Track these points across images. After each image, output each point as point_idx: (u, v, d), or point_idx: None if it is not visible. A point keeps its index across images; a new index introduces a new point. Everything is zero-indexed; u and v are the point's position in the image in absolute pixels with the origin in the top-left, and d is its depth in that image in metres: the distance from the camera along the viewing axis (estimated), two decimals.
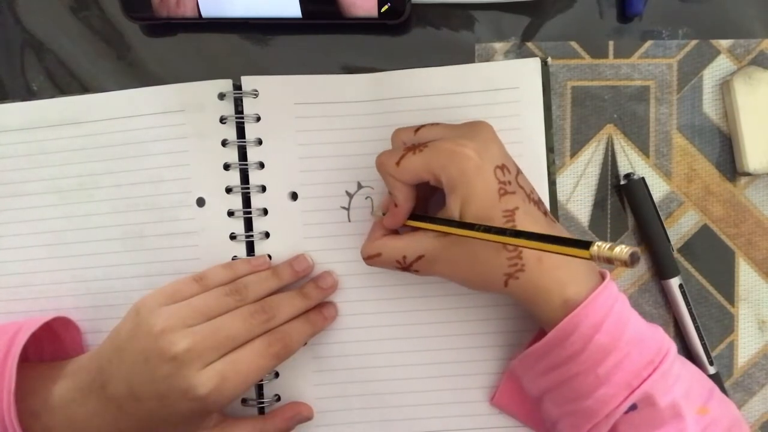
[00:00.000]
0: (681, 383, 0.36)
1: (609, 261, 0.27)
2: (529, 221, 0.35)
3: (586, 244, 0.28)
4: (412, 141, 0.38)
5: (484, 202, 0.35)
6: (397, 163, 0.37)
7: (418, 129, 0.39)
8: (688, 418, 0.35)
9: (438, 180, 0.36)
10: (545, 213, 0.38)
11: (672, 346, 0.36)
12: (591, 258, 0.28)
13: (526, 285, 0.36)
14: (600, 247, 0.27)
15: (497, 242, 0.33)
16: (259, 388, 0.44)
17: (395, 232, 0.40)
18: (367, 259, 0.40)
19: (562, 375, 0.36)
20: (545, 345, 0.36)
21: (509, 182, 0.36)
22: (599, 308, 0.35)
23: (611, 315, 0.35)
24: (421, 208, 0.40)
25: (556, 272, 0.36)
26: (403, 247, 0.38)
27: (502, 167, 0.36)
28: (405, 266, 0.38)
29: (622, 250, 0.26)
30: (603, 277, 0.37)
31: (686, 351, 0.44)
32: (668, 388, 0.35)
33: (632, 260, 0.26)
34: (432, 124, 0.39)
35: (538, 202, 0.38)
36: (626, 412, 0.35)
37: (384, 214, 0.40)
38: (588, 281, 0.36)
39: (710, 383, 0.39)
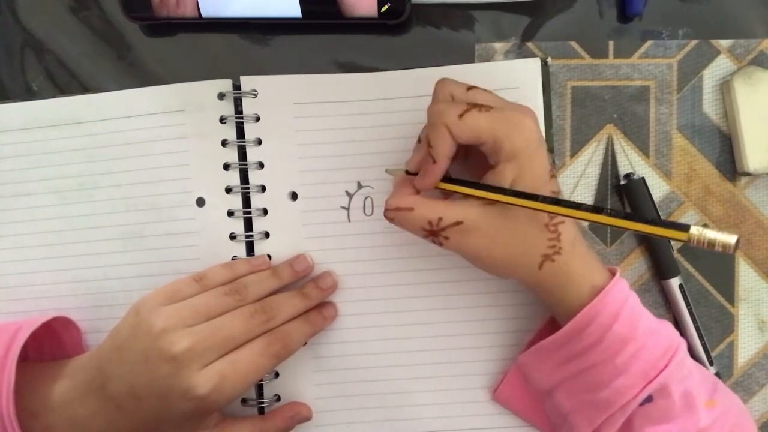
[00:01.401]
0: (693, 376, 0.36)
1: (711, 245, 0.28)
2: None
3: (685, 227, 0.28)
4: (461, 98, 0.36)
5: (538, 178, 0.34)
6: (460, 116, 0.34)
7: (470, 88, 0.36)
8: (701, 410, 0.35)
9: (497, 146, 0.34)
10: None
11: (682, 341, 0.36)
12: (689, 240, 0.28)
13: (559, 269, 0.35)
14: (700, 232, 0.28)
15: (581, 219, 0.32)
16: (259, 388, 0.44)
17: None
18: (395, 211, 0.36)
19: (579, 365, 0.36)
20: (564, 335, 0.36)
21: (554, 166, 0.36)
22: (616, 298, 0.35)
23: (627, 306, 0.35)
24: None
25: (586, 258, 0.36)
26: (441, 208, 0.35)
27: (548, 151, 0.36)
28: (434, 230, 0.35)
29: (726, 237, 0.27)
30: (612, 274, 0.37)
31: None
32: (683, 378, 0.35)
33: (737, 245, 0.28)
34: (484, 90, 0.37)
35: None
36: (642, 405, 0.35)
37: (407, 173, 0.37)
38: (605, 271, 0.37)
39: (713, 377, 0.39)
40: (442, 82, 0.37)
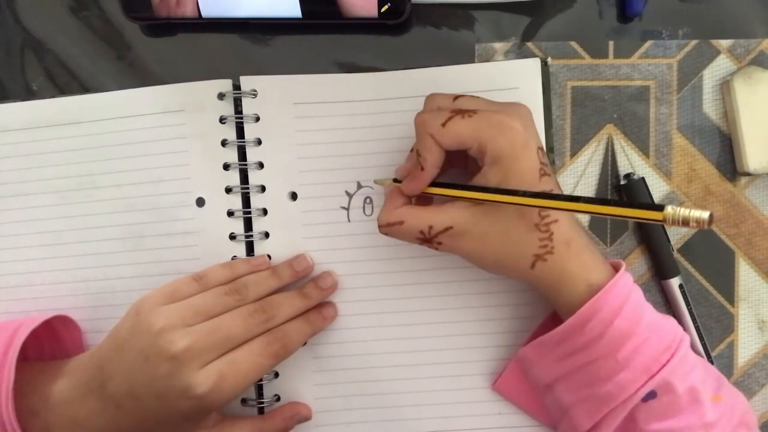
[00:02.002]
0: (697, 370, 0.36)
1: (685, 222, 0.27)
2: None
3: (659, 207, 0.28)
4: (448, 107, 0.36)
5: (525, 178, 0.34)
6: (443, 125, 0.35)
7: (457, 97, 0.37)
8: (706, 403, 0.35)
9: (482, 149, 0.35)
10: None
11: (686, 336, 0.36)
12: (664, 220, 0.28)
13: (552, 268, 0.36)
14: (675, 210, 0.28)
15: (552, 209, 0.32)
16: (259, 388, 0.44)
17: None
18: (386, 227, 0.37)
19: (580, 360, 0.36)
20: (564, 331, 0.36)
21: (547, 164, 0.36)
22: (618, 293, 0.35)
23: (629, 301, 0.35)
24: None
25: (582, 256, 0.36)
26: (430, 216, 0.36)
27: (542, 149, 0.36)
28: (428, 238, 0.36)
29: (699, 212, 0.27)
30: (616, 268, 0.37)
31: None
32: (686, 373, 0.35)
33: (711, 220, 0.27)
34: (471, 96, 0.37)
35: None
36: (646, 401, 0.35)
37: (395, 181, 0.38)
38: (606, 269, 0.37)
39: (717, 372, 0.39)
40: (430, 96, 0.38)
